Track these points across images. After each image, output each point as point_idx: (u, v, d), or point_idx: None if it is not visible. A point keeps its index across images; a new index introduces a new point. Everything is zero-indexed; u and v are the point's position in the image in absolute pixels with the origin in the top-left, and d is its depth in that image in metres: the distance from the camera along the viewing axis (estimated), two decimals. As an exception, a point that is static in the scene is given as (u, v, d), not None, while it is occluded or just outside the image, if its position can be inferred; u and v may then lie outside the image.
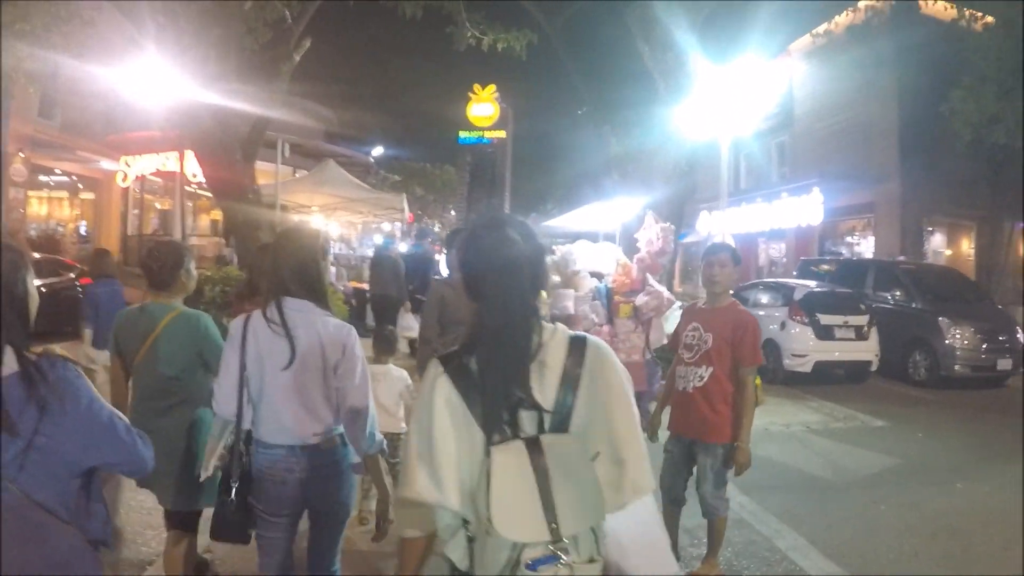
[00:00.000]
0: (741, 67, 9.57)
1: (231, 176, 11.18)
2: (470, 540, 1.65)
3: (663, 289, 8.07)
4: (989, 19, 16.32)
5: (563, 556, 1.51)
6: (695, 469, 4.26)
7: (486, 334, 1.66)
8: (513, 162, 27.28)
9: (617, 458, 1.65)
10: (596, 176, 34.70)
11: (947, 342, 11.93)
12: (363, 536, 4.66)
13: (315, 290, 2.75)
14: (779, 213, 21.77)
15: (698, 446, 4.18)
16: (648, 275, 8.14)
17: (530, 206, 40.78)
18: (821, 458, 7.62)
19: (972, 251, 21.94)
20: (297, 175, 17.57)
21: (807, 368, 11.50)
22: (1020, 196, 18.40)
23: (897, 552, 5.07)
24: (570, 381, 1.66)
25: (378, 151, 26.77)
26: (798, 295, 11.90)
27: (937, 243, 21.50)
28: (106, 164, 20.35)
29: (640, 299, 7.90)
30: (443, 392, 1.66)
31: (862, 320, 11.91)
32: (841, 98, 21.31)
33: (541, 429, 1.63)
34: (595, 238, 15.20)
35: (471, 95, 26.41)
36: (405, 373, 5.12)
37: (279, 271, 2.71)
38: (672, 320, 9.88)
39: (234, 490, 2.68)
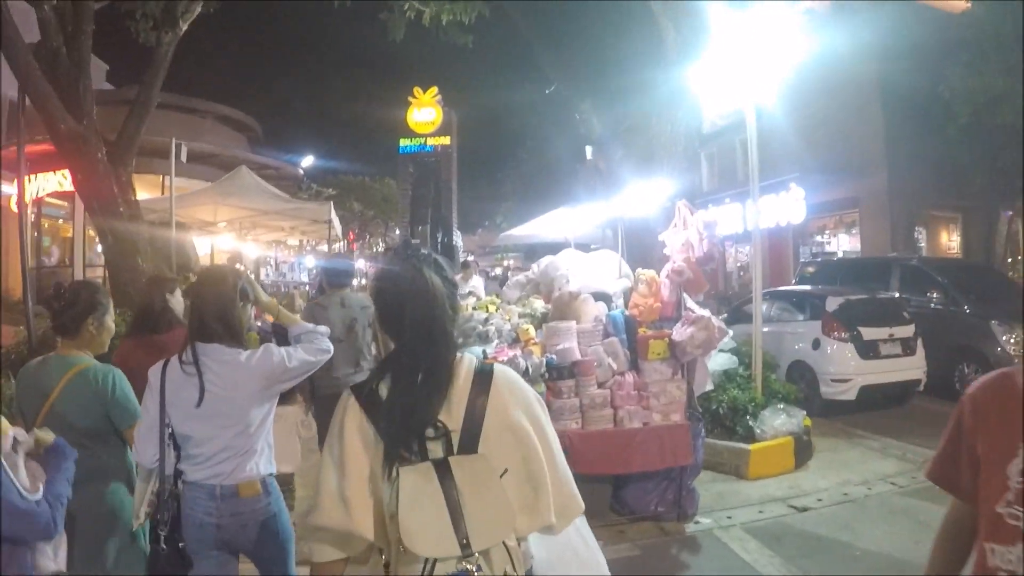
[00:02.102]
0: (767, 15, 6.97)
1: (92, 183, 8.15)
2: (387, 567, 1.62)
3: (707, 313, 5.34)
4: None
5: (474, 570, 1.51)
6: None
7: (405, 362, 1.65)
8: (460, 171, 24.50)
9: (532, 480, 1.63)
10: (562, 176, 32.46)
11: (1001, 350, 9.55)
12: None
13: (234, 334, 2.65)
14: (753, 213, 19.48)
15: None
16: (685, 295, 5.42)
17: (479, 220, 38.05)
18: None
19: (953, 244, 20.01)
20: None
21: (851, 395, 8.92)
22: (1015, 182, 16.49)
23: None
24: (477, 405, 1.63)
25: (309, 162, 23.54)
26: (832, 305, 9.32)
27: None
28: (6, 188, 16.79)
29: (680, 331, 5.15)
30: (354, 419, 1.66)
31: (908, 331, 9.42)
32: (816, 88, 19.15)
33: (450, 451, 1.60)
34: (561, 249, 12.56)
35: (411, 99, 23.59)
36: (295, 408, 4.82)
37: (201, 315, 2.63)
38: (718, 356, 7.23)
39: (163, 537, 2.56)
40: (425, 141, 24.61)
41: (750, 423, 6.76)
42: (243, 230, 12.90)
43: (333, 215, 10.99)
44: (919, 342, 9.48)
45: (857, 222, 19.63)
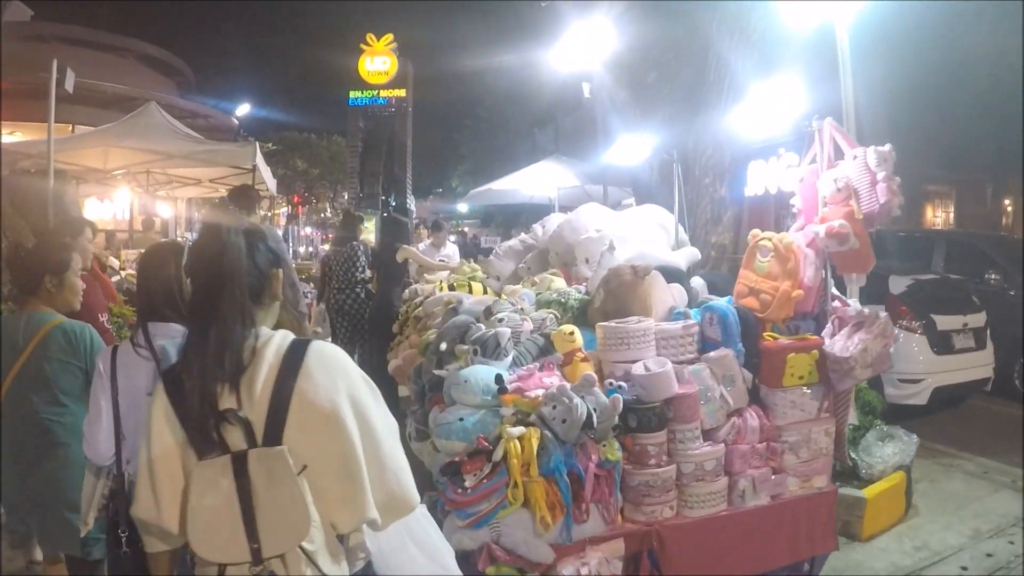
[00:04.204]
0: None
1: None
2: (192, 565, 1.47)
3: (855, 304, 3.10)
4: None
5: None
6: None
7: (193, 344, 1.45)
8: (412, 129, 21.77)
9: (349, 474, 1.42)
10: (526, 135, 29.78)
11: (1076, 342, 7.70)
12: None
13: (181, 312, 2.35)
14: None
15: None
16: (831, 280, 3.16)
17: (431, 184, 35.24)
18: None
19: (938, 220, 18.36)
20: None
21: (923, 399, 6.84)
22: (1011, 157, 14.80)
23: None
24: (284, 391, 1.40)
25: (245, 110, 20.14)
26: (897, 287, 7.22)
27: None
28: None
29: (841, 340, 2.88)
30: (161, 407, 1.47)
31: (980, 319, 7.40)
32: (807, 45, 17.09)
33: (253, 443, 1.39)
34: (543, 210, 10.18)
35: (364, 47, 20.77)
36: None
37: (149, 294, 2.41)
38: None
39: (124, 540, 2.24)
40: (378, 93, 21.84)
41: (851, 455, 4.58)
42: (153, 185, 10.05)
43: (259, 160, 8.26)
44: (988, 333, 7.52)
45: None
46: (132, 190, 9.57)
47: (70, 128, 14.23)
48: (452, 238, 14.48)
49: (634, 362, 2.74)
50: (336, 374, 1.45)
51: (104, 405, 2.31)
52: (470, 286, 5.36)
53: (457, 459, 2.31)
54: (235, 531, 1.33)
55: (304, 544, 1.37)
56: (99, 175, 9.01)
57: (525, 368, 2.70)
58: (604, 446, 2.43)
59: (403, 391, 5.56)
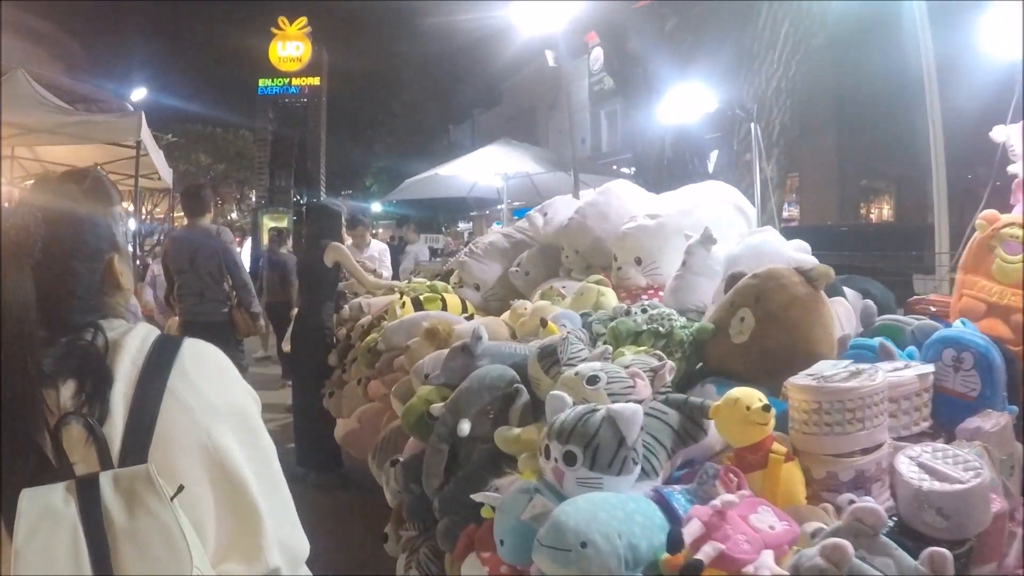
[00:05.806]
0: None
1: None
2: None
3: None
4: None
5: None
6: None
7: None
8: (328, 121, 20.06)
9: (244, 504, 1.02)
10: (445, 131, 28.54)
11: None
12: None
13: None
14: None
15: None
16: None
17: (341, 185, 33.17)
18: None
19: (871, 217, 18.17)
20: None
21: None
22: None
23: None
24: (150, 392, 1.00)
25: (141, 95, 17.51)
26: (924, 288, 6.28)
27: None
28: None
29: None
30: None
31: None
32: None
33: (108, 462, 0.96)
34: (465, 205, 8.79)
35: (275, 31, 18.89)
36: None
37: None
38: None
39: None
40: (290, 82, 19.90)
41: None
42: (19, 175, 7.98)
43: (147, 135, 6.47)
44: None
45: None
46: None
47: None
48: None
49: (867, 452, 1.46)
50: (218, 377, 1.07)
51: None
52: (443, 299, 3.97)
53: None
54: None
55: None
56: (-63, 160, 7.04)
57: (714, 501, 1.33)
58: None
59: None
